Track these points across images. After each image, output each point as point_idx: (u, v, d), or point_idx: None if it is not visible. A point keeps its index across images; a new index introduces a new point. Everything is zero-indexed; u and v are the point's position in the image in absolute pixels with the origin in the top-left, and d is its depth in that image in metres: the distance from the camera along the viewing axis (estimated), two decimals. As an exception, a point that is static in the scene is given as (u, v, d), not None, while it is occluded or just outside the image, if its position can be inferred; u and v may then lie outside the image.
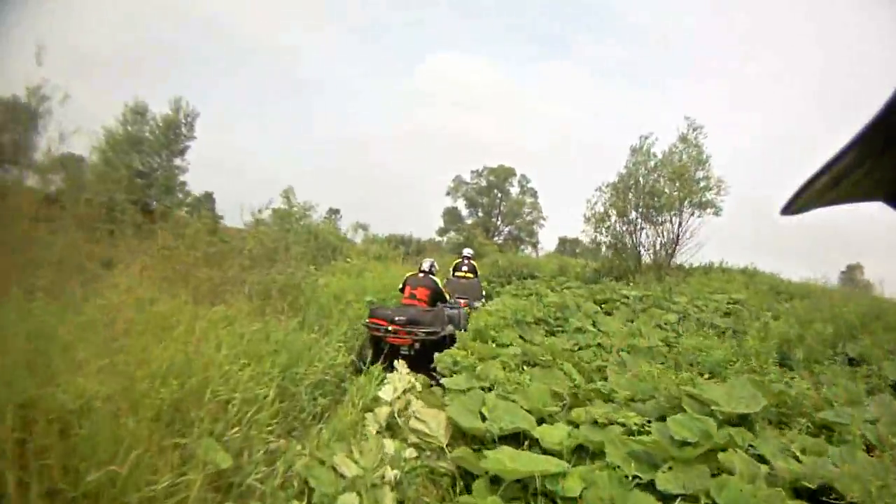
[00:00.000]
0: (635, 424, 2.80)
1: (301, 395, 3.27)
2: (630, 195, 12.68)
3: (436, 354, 4.40)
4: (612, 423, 2.85)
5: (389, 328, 4.97)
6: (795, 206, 0.50)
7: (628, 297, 8.41)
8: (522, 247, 31.55)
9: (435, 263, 6.59)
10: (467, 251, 8.91)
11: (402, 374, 3.84)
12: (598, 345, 5.41)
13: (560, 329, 6.26)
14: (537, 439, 2.73)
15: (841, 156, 0.46)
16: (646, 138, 12.87)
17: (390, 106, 48.88)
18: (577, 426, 2.90)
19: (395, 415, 3.16)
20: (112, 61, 30.55)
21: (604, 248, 13.59)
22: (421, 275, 6.21)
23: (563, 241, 31.28)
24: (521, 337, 5.43)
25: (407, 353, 4.84)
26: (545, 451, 2.64)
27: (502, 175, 35.02)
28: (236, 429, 2.40)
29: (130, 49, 30.69)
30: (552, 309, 6.91)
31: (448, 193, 35.41)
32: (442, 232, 32.76)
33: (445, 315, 5.58)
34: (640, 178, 12.64)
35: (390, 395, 3.38)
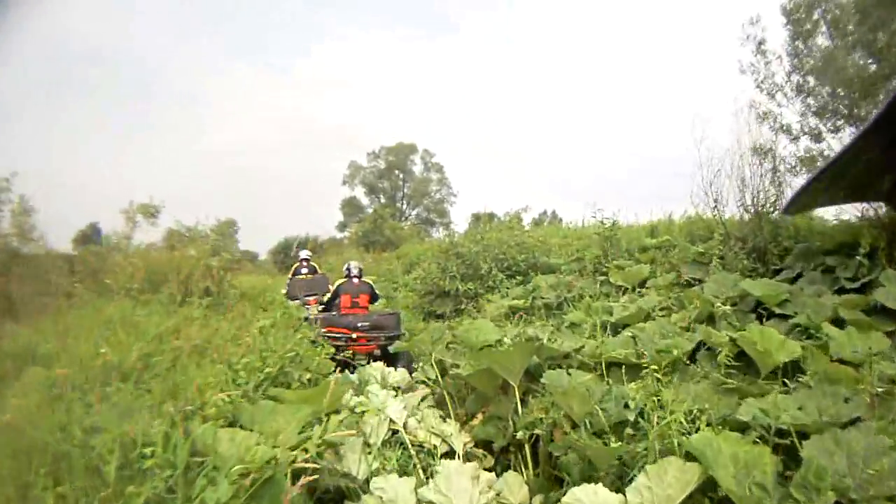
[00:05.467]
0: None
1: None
2: None
3: None
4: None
5: (353, 336, 5.00)
6: (797, 205, 0.50)
7: None
8: (433, 229, 27.99)
9: (361, 265, 6.39)
10: (305, 253, 9.46)
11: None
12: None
13: None
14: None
15: (841, 156, 0.46)
16: None
17: (279, 105, 46.06)
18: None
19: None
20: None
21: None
22: (356, 281, 5.99)
23: (476, 218, 30.27)
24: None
25: (364, 363, 4.55)
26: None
27: (402, 153, 31.14)
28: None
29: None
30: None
31: (345, 182, 31.09)
32: (342, 227, 28.80)
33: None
34: None
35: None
